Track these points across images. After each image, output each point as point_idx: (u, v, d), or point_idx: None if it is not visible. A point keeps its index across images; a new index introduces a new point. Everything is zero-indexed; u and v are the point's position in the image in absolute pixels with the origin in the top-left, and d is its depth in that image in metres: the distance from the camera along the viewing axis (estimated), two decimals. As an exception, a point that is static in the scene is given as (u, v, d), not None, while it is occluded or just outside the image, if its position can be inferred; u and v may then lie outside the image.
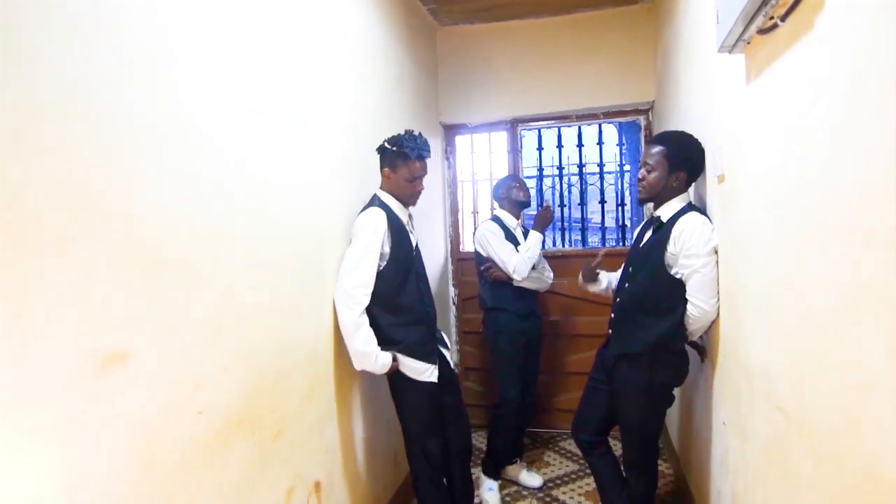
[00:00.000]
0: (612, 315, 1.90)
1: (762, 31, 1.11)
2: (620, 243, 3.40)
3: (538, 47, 3.15)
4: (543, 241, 2.65)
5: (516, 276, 2.43)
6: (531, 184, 3.41)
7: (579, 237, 3.57)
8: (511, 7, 2.99)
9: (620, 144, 3.44)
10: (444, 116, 3.29)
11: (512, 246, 2.49)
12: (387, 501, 2.24)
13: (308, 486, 1.61)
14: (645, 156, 1.81)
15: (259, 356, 1.38)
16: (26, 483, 0.79)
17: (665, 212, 1.75)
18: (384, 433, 2.23)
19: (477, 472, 2.56)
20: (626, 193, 3.38)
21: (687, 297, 1.66)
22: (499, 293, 2.52)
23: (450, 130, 3.37)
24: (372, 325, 1.80)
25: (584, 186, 3.42)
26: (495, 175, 3.42)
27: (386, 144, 1.92)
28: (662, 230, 1.71)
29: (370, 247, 1.78)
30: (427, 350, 1.91)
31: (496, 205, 2.69)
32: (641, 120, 3.14)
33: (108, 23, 0.94)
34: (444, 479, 2.05)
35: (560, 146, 3.37)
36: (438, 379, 1.91)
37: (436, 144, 3.23)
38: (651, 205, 1.86)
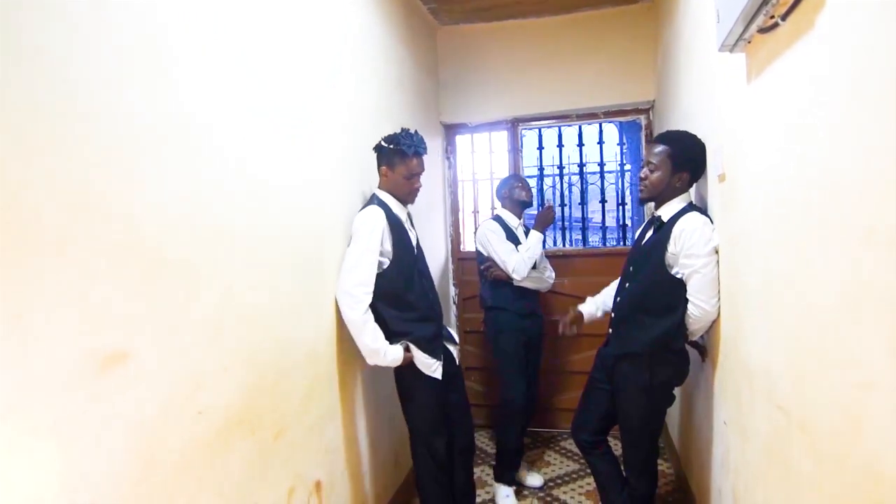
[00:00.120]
0: (613, 314, 1.90)
1: (763, 31, 1.11)
2: (621, 243, 3.40)
3: (539, 47, 3.15)
4: (544, 241, 2.65)
5: (515, 276, 2.43)
6: (532, 183, 3.41)
7: (580, 237, 3.57)
8: (511, 6, 2.98)
9: (621, 144, 3.43)
10: (444, 116, 3.29)
11: (512, 245, 2.49)
12: (387, 501, 2.24)
13: (309, 485, 1.61)
14: (648, 155, 1.80)
15: (259, 356, 1.38)
16: (26, 483, 0.79)
17: (666, 211, 1.75)
18: (385, 432, 2.23)
19: (478, 471, 2.56)
20: (627, 193, 3.38)
21: (688, 296, 1.66)
22: (499, 292, 2.52)
23: (450, 130, 3.37)
24: (379, 322, 1.81)
25: (584, 186, 3.41)
26: (496, 175, 3.42)
27: (383, 143, 1.93)
28: (663, 230, 1.71)
29: (369, 245, 1.78)
30: (434, 346, 1.92)
31: (498, 204, 2.69)
32: (642, 119, 3.14)
33: (108, 23, 0.94)
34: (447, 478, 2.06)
35: (560, 145, 3.37)
36: (444, 376, 1.92)
37: (436, 144, 3.23)
38: (652, 204, 1.86)
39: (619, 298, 1.89)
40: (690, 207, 1.72)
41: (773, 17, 1.04)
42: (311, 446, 1.63)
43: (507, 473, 2.51)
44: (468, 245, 3.45)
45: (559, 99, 3.14)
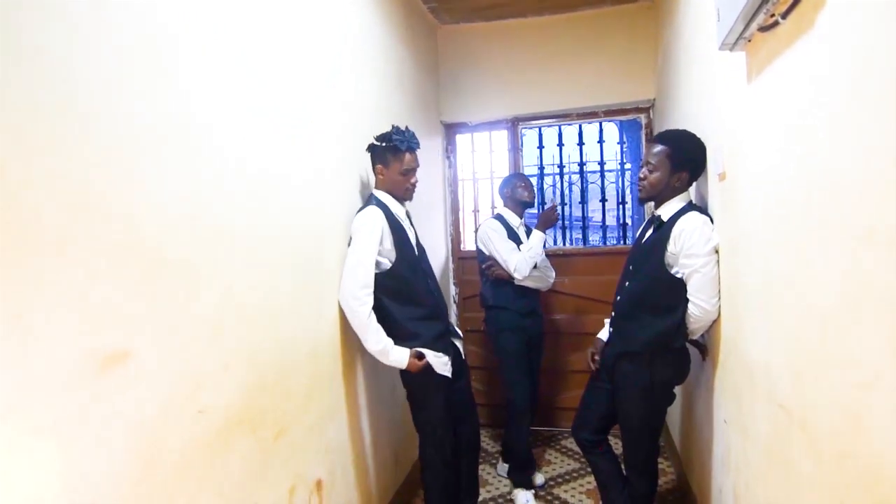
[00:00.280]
0: (613, 313, 1.90)
1: (763, 29, 1.11)
2: (621, 242, 3.40)
3: (539, 46, 3.14)
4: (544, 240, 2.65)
5: (517, 275, 2.43)
6: (532, 182, 3.41)
7: (580, 236, 3.56)
8: (511, 5, 2.98)
9: (621, 143, 3.43)
10: (444, 115, 3.29)
11: (514, 244, 2.49)
12: (388, 500, 2.25)
13: (309, 485, 1.61)
14: (647, 155, 1.80)
15: (260, 355, 1.38)
16: (27, 483, 0.79)
17: (666, 211, 1.75)
18: (385, 432, 2.23)
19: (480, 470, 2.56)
20: (627, 192, 3.38)
21: (688, 296, 1.66)
22: (500, 291, 2.52)
23: (450, 129, 3.37)
24: (390, 320, 1.82)
25: (584, 185, 3.41)
26: (496, 174, 3.42)
27: (375, 142, 1.93)
28: (663, 229, 1.71)
29: (368, 246, 1.78)
30: (443, 344, 1.93)
31: (499, 203, 2.69)
32: (642, 118, 3.14)
33: (108, 23, 0.94)
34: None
35: (561, 144, 3.37)
36: (452, 373, 1.93)
37: (436, 143, 3.23)
38: (652, 204, 1.85)
39: (619, 297, 1.89)
40: (690, 207, 1.72)
41: (773, 15, 1.04)
42: (311, 445, 1.64)
43: (523, 475, 2.50)
44: (468, 244, 3.45)
45: (559, 98, 3.14)
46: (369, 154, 1.97)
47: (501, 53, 3.19)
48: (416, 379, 1.90)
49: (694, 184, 1.87)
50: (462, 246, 3.45)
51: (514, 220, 2.59)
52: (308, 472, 1.61)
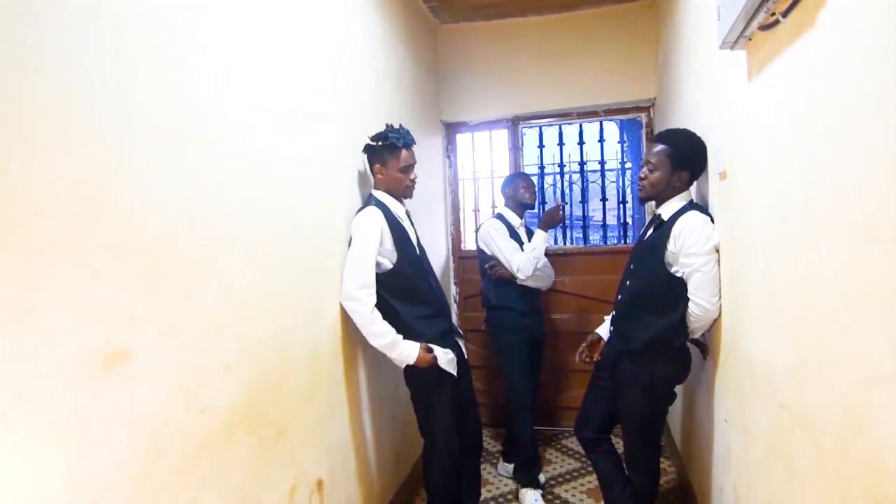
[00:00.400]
0: (614, 312, 1.91)
1: (764, 28, 1.11)
2: (622, 241, 3.40)
3: (539, 45, 3.14)
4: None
5: (520, 275, 2.43)
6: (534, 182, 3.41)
7: (581, 235, 3.56)
8: (512, 4, 2.98)
9: (622, 142, 3.43)
10: (445, 114, 3.29)
11: (517, 244, 2.49)
12: (389, 499, 2.25)
13: (310, 484, 1.62)
14: (647, 154, 1.80)
15: (261, 355, 1.38)
16: (29, 481, 0.79)
17: (666, 210, 1.75)
18: (387, 431, 2.23)
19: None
20: (628, 191, 3.38)
21: (689, 295, 1.66)
22: (503, 291, 2.52)
23: (451, 128, 3.37)
24: (395, 319, 1.81)
25: (585, 184, 3.41)
26: (496, 173, 3.42)
27: (371, 142, 1.94)
28: (663, 228, 1.71)
29: (368, 246, 1.78)
30: (447, 342, 1.94)
31: (500, 201, 2.69)
32: (643, 117, 3.14)
33: (109, 21, 0.94)
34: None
35: (561, 144, 3.36)
36: (458, 371, 1.93)
37: (437, 142, 3.23)
38: (653, 203, 1.85)
39: (620, 296, 1.89)
40: (691, 206, 1.72)
41: (774, 14, 1.04)
42: (312, 445, 1.64)
43: (530, 474, 2.50)
44: (469, 244, 3.45)
45: (560, 97, 3.13)
46: (366, 155, 1.97)
47: (502, 53, 3.19)
48: (423, 378, 1.90)
49: (695, 183, 1.87)
50: (462, 245, 3.45)
51: (514, 220, 2.58)
52: (309, 471, 1.61)
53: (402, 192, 1.96)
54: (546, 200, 3.48)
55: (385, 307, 1.81)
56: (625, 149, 3.43)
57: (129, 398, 0.96)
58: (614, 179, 3.72)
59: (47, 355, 0.82)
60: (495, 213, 2.70)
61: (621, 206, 3.36)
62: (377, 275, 1.80)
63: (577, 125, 3.29)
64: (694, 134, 1.77)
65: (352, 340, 1.89)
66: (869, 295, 0.78)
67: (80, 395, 0.87)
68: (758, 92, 1.24)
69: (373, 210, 1.84)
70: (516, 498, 2.51)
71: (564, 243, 3.51)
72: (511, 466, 2.66)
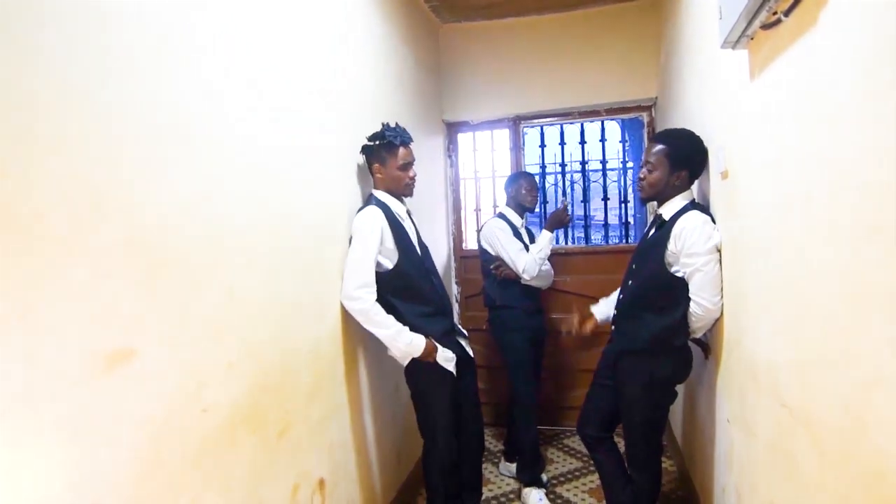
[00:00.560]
0: (616, 311, 1.91)
1: (765, 27, 1.11)
2: (623, 240, 3.40)
3: (540, 44, 3.14)
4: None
5: (525, 276, 2.43)
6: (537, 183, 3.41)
7: (582, 234, 3.56)
8: (513, 4, 2.98)
9: (623, 141, 3.44)
10: (446, 114, 3.29)
11: (521, 244, 2.49)
12: (391, 498, 2.25)
13: (312, 483, 1.62)
14: (646, 155, 1.81)
15: (263, 354, 1.38)
16: (32, 480, 0.79)
17: (667, 210, 1.75)
18: (388, 430, 2.24)
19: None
20: (630, 190, 3.37)
21: (690, 295, 1.66)
22: (508, 291, 2.52)
23: (452, 128, 3.37)
24: (398, 318, 1.81)
25: (586, 183, 3.41)
26: (498, 173, 3.42)
27: (368, 142, 1.94)
28: (664, 228, 1.72)
29: (368, 246, 1.78)
30: (450, 340, 1.94)
31: (502, 200, 2.68)
32: (644, 116, 3.14)
33: (111, 22, 0.95)
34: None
35: (562, 143, 3.36)
36: (459, 370, 1.93)
37: (438, 142, 3.23)
38: (655, 203, 1.86)
39: (622, 296, 1.90)
40: (692, 206, 1.72)
41: (775, 13, 1.04)
42: (314, 444, 1.64)
43: (533, 474, 2.50)
44: (470, 243, 3.45)
45: (561, 96, 3.13)
46: (364, 155, 1.97)
47: (503, 52, 3.19)
48: (423, 377, 1.90)
49: (696, 182, 1.87)
50: (464, 245, 3.45)
51: (516, 220, 2.58)
52: (311, 470, 1.62)
53: (402, 190, 1.96)
54: (547, 200, 3.48)
55: (386, 306, 1.81)
56: (626, 148, 3.44)
57: (131, 398, 0.96)
58: (616, 179, 3.72)
59: (49, 355, 0.82)
60: (497, 212, 2.70)
61: (623, 205, 3.36)
62: (378, 274, 1.80)
63: (579, 124, 3.28)
64: (692, 133, 1.78)
65: (353, 339, 1.90)
66: (870, 295, 0.78)
67: (82, 394, 0.87)
68: (759, 91, 1.24)
69: (373, 209, 1.84)
70: (518, 497, 2.51)
71: (566, 243, 3.51)
72: (513, 466, 2.66)
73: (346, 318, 1.83)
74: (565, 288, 3.12)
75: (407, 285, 1.85)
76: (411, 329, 1.83)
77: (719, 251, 1.64)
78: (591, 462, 2.07)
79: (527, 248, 2.51)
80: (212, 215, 1.20)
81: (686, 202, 1.74)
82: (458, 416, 2.01)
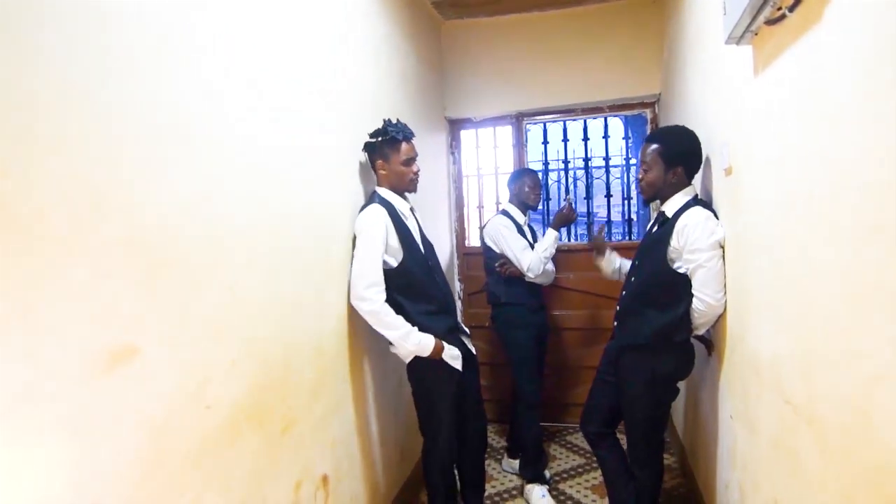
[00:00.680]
0: (618, 307, 1.91)
1: (770, 22, 1.10)
2: (626, 237, 3.39)
3: (543, 41, 3.13)
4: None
5: (530, 274, 2.44)
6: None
7: (584, 231, 3.55)
8: (516, 1, 2.97)
9: (626, 138, 3.43)
10: (449, 111, 3.28)
11: (526, 242, 2.49)
12: (394, 495, 2.26)
13: (316, 479, 1.63)
14: (642, 155, 1.84)
15: (266, 351, 1.39)
16: (33, 479, 0.80)
17: (670, 207, 1.76)
18: (391, 427, 2.24)
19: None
20: (632, 187, 3.36)
21: (693, 291, 1.65)
22: (513, 289, 2.52)
23: (455, 125, 3.37)
24: (402, 315, 1.82)
25: (589, 180, 3.40)
26: (501, 170, 3.41)
27: (371, 139, 1.94)
28: (667, 225, 1.71)
29: (374, 245, 1.78)
30: (453, 338, 1.94)
31: (504, 198, 2.68)
32: (648, 113, 3.12)
33: (112, 22, 0.95)
34: (455, 470, 2.08)
35: (565, 140, 3.35)
36: (462, 368, 1.93)
37: (441, 139, 3.22)
38: (658, 201, 1.86)
39: (624, 292, 1.90)
40: (695, 202, 1.72)
41: (780, 8, 1.03)
42: (318, 440, 1.65)
43: (536, 470, 2.50)
44: (473, 240, 3.45)
45: (564, 93, 3.12)
46: (367, 153, 1.97)
47: (506, 49, 3.18)
48: (427, 374, 1.90)
49: (700, 178, 1.86)
50: (467, 242, 3.45)
51: (519, 217, 2.58)
52: (314, 466, 1.62)
53: (406, 186, 1.96)
54: (550, 197, 3.47)
55: (392, 303, 1.81)
56: (629, 145, 3.42)
57: (131, 397, 0.97)
58: (619, 175, 3.71)
59: (50, 354, 0.82)
60: (500, 209, 2.70)
61: (626, 202, 3.35)
62: (384, 272, 1.81)
63: (582, 121, 3.27)
64: (684, 128, 1.79)
65: (356, 337, 1.90)
66: (872, 292, 0.78)
67: (83, 394, 0.87)
68: (763, 87, 1.23)
69: (376, 208, 1.84)
70: (521, 494, 2.52)
71: (569, 240, 3.51)
72: (516, 462, 2.66)
73: (349, 315, 1.84)
74: (568, 285, 3.12)
75: (410, 283, 1.85)
76: (416, 327, 1.83)
77: (722, 247, 1.63)
78: (594, 459, 2.07)
79: (530, 245, 2.51)
80: (212, 215, 1.20)
81: (689, 198, 1.74)
82: (461, 414, 2.01)
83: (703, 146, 1.77)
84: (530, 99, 3.18)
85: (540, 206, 2.85)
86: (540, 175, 2.77)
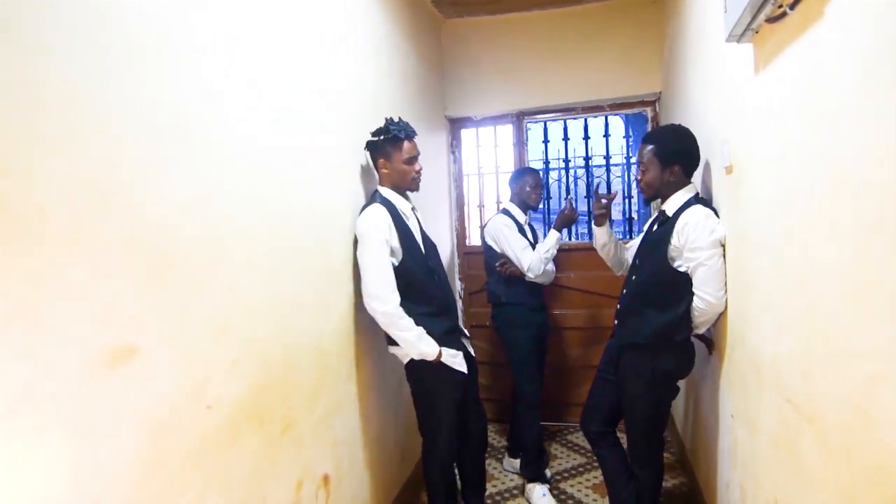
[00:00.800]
0: (618, 306, 1.91)
1: (770, 20, 1.10)
2: (627, 236, 3.38)
3: (544, 39, 3.12)
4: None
5: (530, 274, 2.43)
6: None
7: (585, 230, 3.55)
8: (516, -1, 2.97)
9: (627, 136, 3.42)
10: (449, 110, 3.28)
11: (527, 241, 2.48)
12: (395, 495, 2.26)
13: (316, 479, 1.63)
14: (639, 156, 1.84)
15: (267, 351, 1.39)
16: (33, 479, 0.80)
17: (671, 206, 1.76)
18: (392, 427, 2.24)
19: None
20: (633, 186, 3.36)
21: (694, 289, 1.65)
22: (513, 289, 2.51)
23: (455, 124, 3.36)
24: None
25: (590, 179, 3.40)
26: (501, 168, 3.41)
27: (373, 138, 1.94)
28: (668, 223, 1.71)
29: (379, 245, 1.78)
30: (451, 340, 1.93)
31: (505, 197, 2.68)
32: (648, 111, 3.12)
33: (112, 22, 0.94)
34: (456, 469, 2.08)
35: (566, 139, 3.35)
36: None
37: (441, 138, 3.22)
38: (659, 200, 1.86)
39: (625, 290, 1.90)
40: (695, 200, 1.71)
41: (781, 6, 1.03)
42: (318, 440, 1.65)
43: (537, 469, 2.50)
44: (474, 239, 3.44)
45: (564, 92, 3.12)
46: (368, 151, 1.97)
47: (506, 48, 3.18)
48: (429, 375, 1.89)
49: (700, 177, 1.86)
50: (467, 241, 3.45)
51: (520, 216, 2.58)
52: (315, 466, 1.62)
53: (409, 184, 1.96)
54: (551, 196, 3.46)
55: None
56: (630, 143, 3.42)
57: (132, 397, 0.97)
58: (619, 174, 3.70)
59: (50, 354, 0.82)
60: (501, 208, 2.70)
61: (626, 200, 3.34)
62: None
63: (582, 120, 3.27)
64: (679, 127, 1.79)
65: (356, 337, 1.90)
66: (875, 289, 0.77)
67: (83, 393, 0.87)
68: (764, 85, 1.23)
69: (377, 208, 1.84)
70: (522, 493, 2.52)
71: (569, 239, 3.50)
72: (516, 462, 2.67)
73: (349, 315, 1.84)
74: (568, 284, 3.11)
75: (410, 283, 1.85)
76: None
77: (723, 245, 1.63)
78: (595, 458, 2.07)
79: (531, 245, 2.51)
80: (212, 215, 1.20)
81: (689, 196, 1.74)
82: (461, 414, 2.01)
83: (702, 144, 1.76)
84: (531, 97, 3.18)
85: (540, 206, 2.85)
86: (541, 174, 2.77)
